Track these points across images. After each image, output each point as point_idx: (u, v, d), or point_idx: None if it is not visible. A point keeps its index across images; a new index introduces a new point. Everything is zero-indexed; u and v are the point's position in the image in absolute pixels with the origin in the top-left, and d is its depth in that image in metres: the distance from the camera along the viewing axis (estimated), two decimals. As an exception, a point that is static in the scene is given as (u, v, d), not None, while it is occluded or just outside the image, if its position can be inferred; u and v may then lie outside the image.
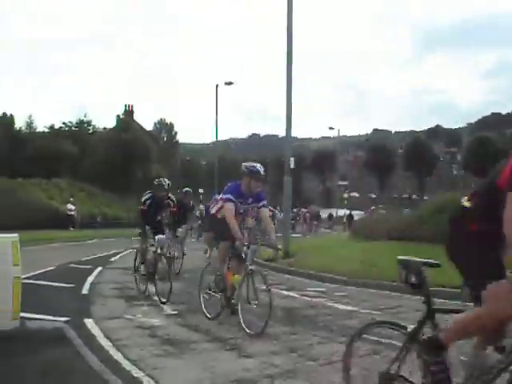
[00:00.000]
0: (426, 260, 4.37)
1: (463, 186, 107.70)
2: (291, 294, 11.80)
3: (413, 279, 4.39)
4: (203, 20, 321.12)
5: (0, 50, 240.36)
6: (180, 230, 15.24)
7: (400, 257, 4.37)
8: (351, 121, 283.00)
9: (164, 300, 10.01)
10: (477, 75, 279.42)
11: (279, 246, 9.75)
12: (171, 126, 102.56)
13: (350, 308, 9.89)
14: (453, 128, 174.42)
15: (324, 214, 56.46)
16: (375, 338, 5.89)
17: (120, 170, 57.83)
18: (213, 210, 9.43)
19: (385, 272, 12.98)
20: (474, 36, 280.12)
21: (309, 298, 11.12)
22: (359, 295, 11.57)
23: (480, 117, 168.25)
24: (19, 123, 66.00)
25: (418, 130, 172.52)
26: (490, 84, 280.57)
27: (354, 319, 8.79)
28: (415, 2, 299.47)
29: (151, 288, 10.81)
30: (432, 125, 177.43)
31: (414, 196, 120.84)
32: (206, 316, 8.83)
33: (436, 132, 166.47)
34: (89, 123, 72.26)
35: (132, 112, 78.22)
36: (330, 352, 6.55)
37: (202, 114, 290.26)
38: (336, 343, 7.04)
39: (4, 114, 60.32)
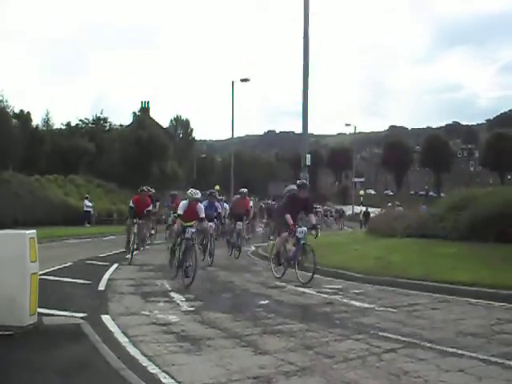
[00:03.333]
0: None
1: (480, 182, 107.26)
2: (307, 290, 11.78)
3: None
4: (220, 17, 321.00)
5: (15, 48, 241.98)
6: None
7: None
8: (368, 117, 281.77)
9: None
10: (495, 71, 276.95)
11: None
12: (187, 122, 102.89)
13: (366, 305, 9.86)
14: (470, 125, 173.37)
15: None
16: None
17: (136, 167, 57.97)
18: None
19: (401, 269, 12.95)
20: (492, 32, 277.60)
21: (325, 295, 11.10)
22: (375, 293, 11.53)
23: (498, 113, 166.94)
24: (36, 120, 66.29)
25: (435, 126, 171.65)
26: (509, 80, 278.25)
27: (370, 316, 8.77)
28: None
29: None
30: (449, 121, 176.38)
31: (431, 193, 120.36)
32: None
33: (453, 129, 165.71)
34: (105, 120, 72.41)
35: (148, 109, 78.39)
36: (346, 349, 6.54)
37: (218, 111, 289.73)
38: (352, 340, 7.03)
39: (21, 111, 60.46)
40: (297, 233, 13.22)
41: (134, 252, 17.09)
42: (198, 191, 13.25)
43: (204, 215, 13.10)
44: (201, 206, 13.11)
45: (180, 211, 12.90)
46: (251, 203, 23.55)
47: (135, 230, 16.93)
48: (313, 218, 14.05)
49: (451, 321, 8.37)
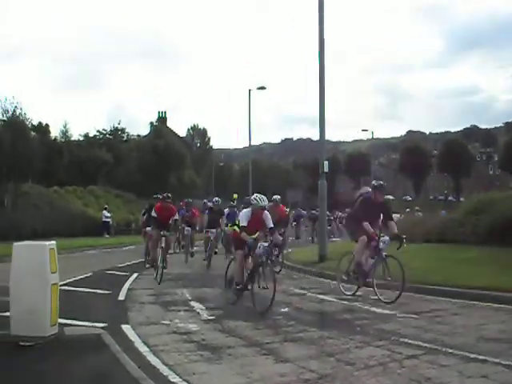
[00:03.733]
0: None
1: (500, 185, 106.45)
2: (328, 298, 11.74)
3: None
4: (236, 25, 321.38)
5: (31, 60, 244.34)
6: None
7: None
8: (385, 123, 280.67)
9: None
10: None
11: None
12: (204, 131, 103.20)
13: (386, 312, 9.81)
14: (488, 128, 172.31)
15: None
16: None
17: (154, 177, 58.26)
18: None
19: (421, 275, 12.84)
20: (508, 33, 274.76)
21: (345, 302, 11.04)
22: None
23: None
24: (54, 132, 66.93)
25: (453, 130, 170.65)
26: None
27: (391, 323, 8.72)
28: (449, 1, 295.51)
29: None
30: (467, 125, 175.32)
31: (450, 197, 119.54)
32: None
33: (472, 132, 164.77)
34: (123, 131, 72.97)
35: (165, 119, 78.81)
36: (367, 356, 6.50)
37: (235, 120, 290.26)
38: (373, 347, 6.98)
39: (39, 123, 60.96)
40: (379, 243, 11.29)
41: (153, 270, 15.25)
42: (264, 197, 10.72)
43: (273, 225, 10.81)
44: (267, 215, 10.67)
45: (243, 222, 10.44)
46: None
47: (162, 245, 14.67)
48: (394, 226, 11.69)
49: (473, 326, 8.29)
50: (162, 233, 14.80)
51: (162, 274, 14.06)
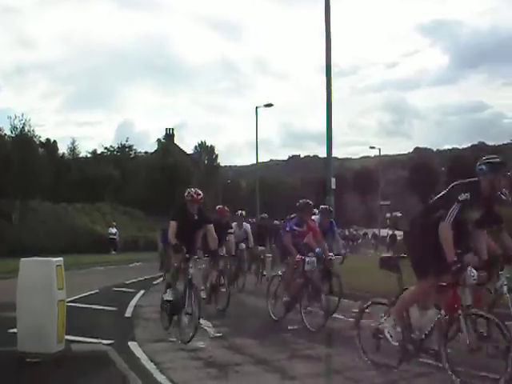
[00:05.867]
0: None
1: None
2: (335, 315, 11.65)
3: None
4: (243, 40, 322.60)
5: (39, 76, 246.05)
6: None
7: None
8: (392, 139, 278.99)
9: None
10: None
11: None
12: (212, 148, 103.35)
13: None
14: (496, 145, 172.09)
15: (368, 234, 56.99)
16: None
17: (161, 194, 58.27)
18: None
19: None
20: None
21: (353, 320, 10.94)
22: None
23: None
24: (62, 149, 67.14)
25: (460, 147, 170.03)
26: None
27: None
28: (457, 17, 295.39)
29: None
30: (475, 142, 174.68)
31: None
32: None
33: (479, 149, 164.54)
34: (130, 148, 73.13)
35: (173, 136, 79.04)
36: (375, 374, 6.43)
37: (242, 136, 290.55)
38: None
39: (47, 139, 61.19)
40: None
41: None
42: None
43: None
44: None
45: None
46: None
47: None
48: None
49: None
50: None
51: None
